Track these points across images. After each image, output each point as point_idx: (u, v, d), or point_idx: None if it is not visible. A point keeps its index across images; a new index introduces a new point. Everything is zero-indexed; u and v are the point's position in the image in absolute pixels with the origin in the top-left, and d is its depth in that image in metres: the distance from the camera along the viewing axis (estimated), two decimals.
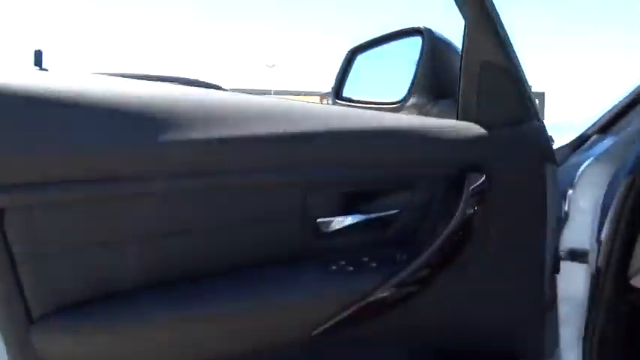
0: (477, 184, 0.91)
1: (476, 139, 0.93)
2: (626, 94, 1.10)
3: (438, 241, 0.89)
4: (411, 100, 1.21)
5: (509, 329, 0.99)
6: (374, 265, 0.85)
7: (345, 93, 1.42)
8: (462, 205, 0.90)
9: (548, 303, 1.02)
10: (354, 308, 0.83)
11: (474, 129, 0.94)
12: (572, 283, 1.09)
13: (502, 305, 0.98)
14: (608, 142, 1.13)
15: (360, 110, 1.01)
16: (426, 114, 1.17)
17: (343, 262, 0.85)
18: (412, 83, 1.22)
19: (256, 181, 0.83)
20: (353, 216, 0.89)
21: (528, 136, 0.97)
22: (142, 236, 0.78)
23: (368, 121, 0.92)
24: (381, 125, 0.91)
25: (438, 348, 0.96)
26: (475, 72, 0.94)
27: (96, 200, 0.75)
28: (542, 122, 0.99)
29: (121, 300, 0.77)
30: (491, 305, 0.97)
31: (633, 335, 1.18)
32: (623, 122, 1.10)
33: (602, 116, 1.16)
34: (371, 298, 0.84)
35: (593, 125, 1.18)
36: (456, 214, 0.90)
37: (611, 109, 1.14)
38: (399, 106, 1.23)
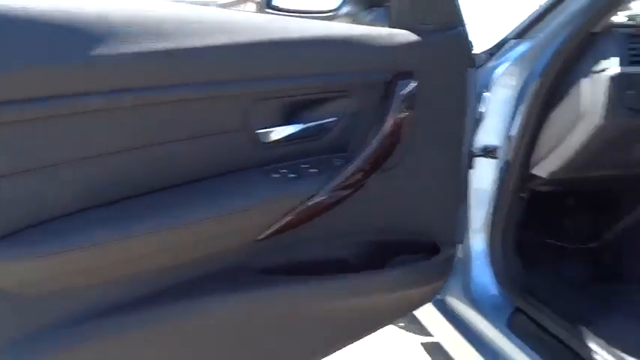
0: (408, 89, 0.97)
1: (409, 46, 0.97)
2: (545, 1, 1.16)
3: (371, 146, 0.96)
4: (345, 9, 1.22)
5: (429, 220, 1.11)
6: (314, 171, 0.91)
7: (275, 1, 1.39)
8: (391, 110, 0.96)
9: (461, 195, 1.14)
10: (296, 212, 0.91)
11: (406, 36, 0.98)
12: (484, 176, 1.22)
13: (425, 200, 1.09)
14: (523, 46, 1.21)
15: (294, 19, 1.02)
16: (360, 22, 1.19)
17: (285, 170, 0.90)
18: None
19: (196, 94, 0.84)
20: (293, 125, 0.93)
21: (456, 41, 1.03)
22: (81, 157, 0.77)
23: (302, 30, 0.93)
24: (315, 34, 0.93)
25: (371, 241, 1.07)
26: None
27: (26, 121, 0.72)
28: (466, 28, 1.05)
29: (65, 222, 0.76)
30: (415, 200, 1.09)
31: (530, 217, 1.36)
32: (539, 27, 1.17)
33: (522, 22, 1.22)
34: (311, 202, 0.91)
35: (513, 30, 1.25)
36: (386, 119, 0.96)
37: (530, 15, 1.20)
38: (331, 15, 1.24)
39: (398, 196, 1.06)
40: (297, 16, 1.23)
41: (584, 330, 1.12)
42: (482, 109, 1.20)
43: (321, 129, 0.96)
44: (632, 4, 1.12)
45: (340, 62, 0.95)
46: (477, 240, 1.29)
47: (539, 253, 1.52)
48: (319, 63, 0.93)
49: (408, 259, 1.06)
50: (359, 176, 0.96)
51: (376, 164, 0.98)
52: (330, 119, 0.96)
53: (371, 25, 1.09)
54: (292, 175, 0.90)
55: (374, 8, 1.21)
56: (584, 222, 1.59)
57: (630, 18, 1.12)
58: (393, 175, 1.01)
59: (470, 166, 1.17)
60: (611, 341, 1.07)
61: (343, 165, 0.95)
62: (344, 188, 0.95)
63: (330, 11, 1.25)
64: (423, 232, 1.11)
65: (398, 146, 0.99)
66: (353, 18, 1.22)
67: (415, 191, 1.08)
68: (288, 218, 0.90)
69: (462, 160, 1.12)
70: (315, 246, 0.97)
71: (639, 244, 1.41)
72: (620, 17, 1.12)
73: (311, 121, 0.95)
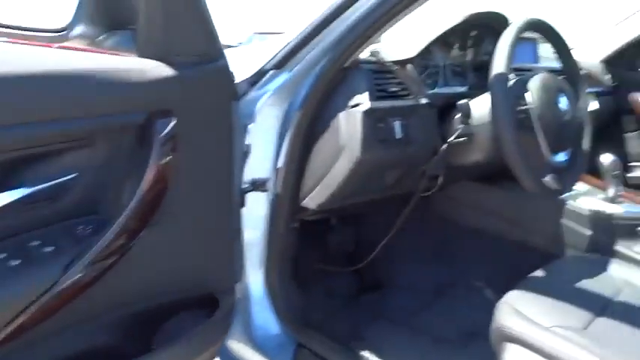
0: (168, 130, 0.84)
1: (165, 81, 0.84)
2: (301, 32, 1.17)
3: (133, 202, 0.79)
4: (77, 30, 1.01)
5: (204, 269, 1.01)
6: (49, 250, 0.70)
7: None
8: (152, 156, 0.82)
9: (235, 236, 1.07)
10: (28, 313, 0.68)
11: (161, 68, 0.84)
12: (255, 211, 1.17)
13: (197, 249, 0.98)
14: (282, 77, 1.20)
15: (13, 45, 0.78)
16: (98, 48, 1.00)
17: (4, 255, 0.67)
18: (78, 7, 1.01)
19: None
20: (15, 191, 0.70)
21: (217, 74, 0.94)
22: None
23: (25, 61, 0.71)
24: (39, 67, 0.72)
25: (142, 309, 0.90)
26: (158, 1, 0.83)
27: None
28: (227, 60, 0.97)
29: None
30: (188, 251, 0.96)
31: (301, 246, 1.39)
32: (296, 58, 1.17)
33: (278, 52, 1.21)
34: (52, 293, 0.69)
35: (270, 61, 1.23)
36: (147, 167, 0.81)
37: (285, 46, 1.20)
38: (61, 36, 1.01)
39: (165, 251, 0.92)
40: (13, 36, 0.96)
41: (359, 352, 1.16)
42: (247, 141, 1.15)
43: (58, 189, 0.75)
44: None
45: (77, 103, 0.75)
46: (255, 279, 1.24)
47: (312, 279, 1.56)
48: (54, 104, 0.72)
49: (181, 327, 0.93)
50: (121, 241, 0.79)
51: (142, 222, 0.82)
52: (68, 176, 0.76)
53: (113, 51, 0.92)
54: (14, 263, 0.66)
55: (116, 31, 1.03)
56: (348, 244, 1.71)
57: (372, 54, 1.21)
58: (157, 229, 0.87)
59: (242, 204, 1.10)
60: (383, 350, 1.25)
61: (96, 231, 0.76)
62: (103, 259, 0.76)
63: (59, 31, 1.02)
64: (198, 285, 0.99)
65: (163, 196, 0.85)
66: (89, 41, 1.01)
67: (185, 242, 0.95)
68: (13, 326, 0.67)
69: (233, 198, 1.04)
70: (59, 341, 0.76)
71: (396, 258, 1.56)
72: (365, 53, 1.19)
73: (41, 182, 0.73)
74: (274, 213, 1.20)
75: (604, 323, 1.00)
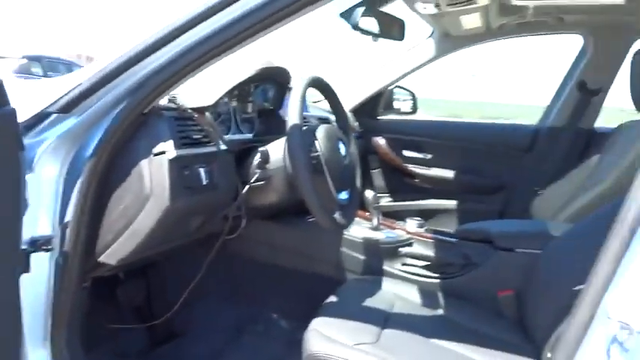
0: None
1: None
2: (92, 75, 1.09)
3: None
4: None
5: None
6: None
7: None
8: None
9: (16, 314, 0.91)
10: None
11: None
12: (37, 274, 1.03)
13: None
14: (69, 122, 1.10)
15: None
16: None
17: None
18: None
19: None
20: None
21: (2, 123, 0.81)
22: None
23: None
24: None
25: None
26: None
27: None
28: (12, 106, 0.84)
29: None
30: None
31: (91, 305, 1.26)
32: (87, 103, 1.09)
33: (63, 95, 1.10)
34: None
35: (53, 104, 1.11)
36: None
37: (73, 88, 1.10)
38: None
39: None
40: None
41: None
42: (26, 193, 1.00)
43: None
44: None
45: None
46: (39, 355, 1.06)
47: (104, 340, 1.42)
48: None
49: None
50: None
51: None
52: None
53: None
54: None
55: None
56: (139, 298, 1.61)
57: (171, 100, 1.20)
58: None
59: (26, 269, 0.94)
60: None
61: None
62: None
63: None
64: None
65: None
66: None
67: None
68: None
69: (16, 264, 0.89)
70: None
71: (193, 303, 1.53)
72: (164, 99, 1.18)
73: None
74: (62, 274, 1.06)
75: (390, 334, 1.19)
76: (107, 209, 1.11)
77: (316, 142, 1.32)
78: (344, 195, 1.40)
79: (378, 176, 2.51)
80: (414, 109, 2.60)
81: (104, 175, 1.09)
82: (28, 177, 1.01)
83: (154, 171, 1.09)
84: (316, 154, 1.30)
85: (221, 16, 1.00)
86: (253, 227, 1.64)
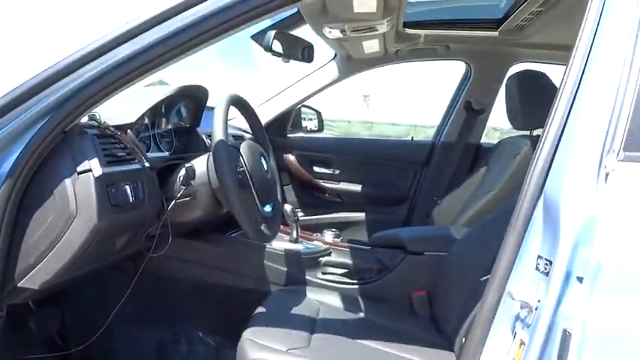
0: None
1: None
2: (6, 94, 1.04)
3: None
4: None
5: None
6: None
7: None
8: None
9: None
10: None
11: None
12: None
13: None
14: None
15: None
16: None
17: None
18: None
19: None
20: None
21: None
22: None
23: None
24: None
25: None
26: None
27: None
28: None
29: None
30: None
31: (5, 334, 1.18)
32: (5, 119, 1.04)
33: None
34: None
35: None
36: None
37: None
38: None
39: None
40: None
41: None
42: None
43: None
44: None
45: None
46: None
47: None
48: None
49: None
50: None
51: None
52: None
53: None
54: None
55: None
56: (53, 326, 1.51)
57: (91, 118, 1.18)
58: None
59: None
60: None
61: None
62: None
63: None
64: None
65: None
66: None
67: None
68: None
69: None
70: None
71: (111, 328, 1.48)
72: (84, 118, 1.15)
73: None
74: None
75: (319, 338, 1.26)
76: (27, 231, 1.06)
77: (241, 157, 1.36)
78: (268, 208, 1.46)
79: (290, 192, 2.59)
80: (321, 127, 2.72)
81: (22, 195, 1.04)
82: None
83: (80, 189, 1.06)
84: (241, 169, 1.34)
85: (149, 34, 1.02)
86: (174, 245, 1.63)
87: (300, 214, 2.55)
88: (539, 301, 0.79)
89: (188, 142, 1.64)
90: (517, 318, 0.86)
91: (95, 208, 1.06)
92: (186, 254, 1.67)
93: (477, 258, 1.29)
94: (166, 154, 1.54)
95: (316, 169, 2.55)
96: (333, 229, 1.85)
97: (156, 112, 1.49)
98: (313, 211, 2.55)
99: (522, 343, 0.82)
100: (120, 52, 1.02)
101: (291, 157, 2.54)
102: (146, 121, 1.45)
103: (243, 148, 1.39)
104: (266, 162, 1.46)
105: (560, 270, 0.77)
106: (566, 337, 0.75)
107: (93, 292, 1.54)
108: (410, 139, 2.85)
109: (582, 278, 0.75)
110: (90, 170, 1.07)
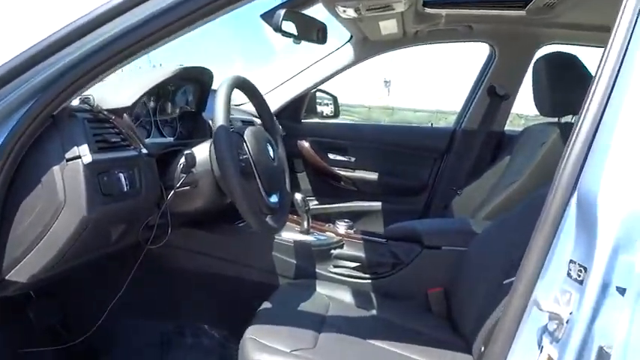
0: None
1: None
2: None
3: None
4: None
5: None
6: None
7: None
8: None
9: None
10: None
11: None
12: None
13: None
14: None
15: None
16: None
17: None
18: None
19: None
20: None
21: None
22: None
23: None
24: None
25: None
26: None
27: None
28: None
29: None
30: None
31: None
32: None
33: None
34: None
35: None
36: None
37: None
38: None
39: None
40: None
41: None
42: None
43: None
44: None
45: None
46: None
47: None
48: None
49: None
50: None
51: None
52: None
53: None
54: None
55: None
56: (55, 317, 1.47)
57: (84, 101, 1.10)
58: None
59: None
60: None
61: None
62: None
63: None
64: None
65: None
66: None
67: None
68: None
69: None
70: None
71: (113, 319, 1.42)
72: (75, 100, 1.08)
73: None
74: None
75: (326, 338, 1.18)
76: (14, 221, 1.00)
77: (244, 144, 1.27)
78: (274, 198, 1.37)
79: (303, 179, 2.50)
80: (337, 113, 2.62)
81: (9, 183, 0.97)
82: None
83: (68, 177, 0.99)
84: (245, 156, 1.25)
85: (143, 9, 0.94)
86: (178, 234, 1.56)
87: (313, 202, 2.48)
88: (570, 313, 0.69)
89: (193, 127, 1.56)
90: (545, 330, 0.76)
91: (84, 197, 0.99)
92: (191, 244, 1.60)
93: (499, 256, 1.19)
94: (169, 139, 1.46)
95: (331, 156, 2.46)
96: (346, 220, 1.76)
97: (156, 95, 1.41)
98: (327, 200, 2.47)
99: (550, 359, 0.72)
100: (114, 27, 0.94)
101: (305, 144, 2.44)
102: (146, 104, 1.37)
103: (248, 134, 1.30)
104: (273, 149, 1.37)
105: (597, 278, 0.66)
106: (602, 356, 0.65)
107: (94, 281, 1.48)
108: (429, 125, 2.73)
109: (624, 289, 0.64)
110: (79, 157, 1.00)
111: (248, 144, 1.27)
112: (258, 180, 1.27)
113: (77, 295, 1.56)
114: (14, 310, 1.38)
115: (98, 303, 1.36)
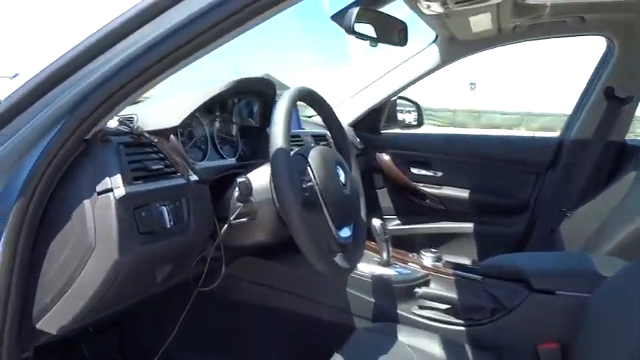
0: None
1: None
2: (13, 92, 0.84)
3: None
4: None
5: None
6: None
7: None
8: None
9: None
10: None
11: None
12: None
13: None
14: None
15: None
16: None
17: None
18: None
19: None
20: None
21: None
22: None
23: None
24: None
25: None
26: None
27: None
28: None
29: None
30: None
31: None
32: (8, 127, 0.84)
33: None
34: None
35: None
36: None
37: None
38: None
39: None
40: None
41: None
42: None
43: None
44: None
45: None
46: None
47: None
48: None
49: None
50: None
51: None
52: None
53: None
54: None
55: None
56: (112, 353, 1.35)
57: (123, 122, 0.95)
58: None
59: None
60: None
61: None
62: None
63: None
64: None
65: None
66: None
67: None
68: None
69: None
70: None
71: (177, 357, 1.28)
72: (113, 121, 0.93)
73: None
74: None
75: None
76: (44, 264, 0.86)
77: (309, 168, 1.06)
78: (346, 232, 1.15)
79: (383, 196, 2.27)
80: (420, 122, 2.35)
81: (37, 220, 0.84)
82: None
83: (99, 214, 0.84)
84: (309, 184, 1.05)
85: (185, 8, 0.77)
86: (241, 265, 1.39)
87: (394, 222, 2.23)
88: None
89: (256, 145, 1.38)
90: None
91: (116, 238, 0.83)
92: (255, 275, 1.42)
93: (637, 309, 0.89)
94: (229, 160, 1.29)
95: (414, 170, 2.20)
96: (433, 250, 1.49)
97: (210, 111, 1.25)
98: (410, 220, 2.21)
99: None
100: (157, 28, 0.78)
101: (385, 157, 2.21)
102: (201, 122, 1.21)
103: (313, 155, 1.09)
104: (344, 172, 1.15)
105: None
106: None
107: (152, 314, 1.35)
108: (531, 135, 2.37)
109: None
110: (111, 189, 0.84)
111: (313, 168, 1.06)
112: (325, 212, 1.06)
113: (137, 327, 1.44)
114: (67, 345, 1.28)
115: (158, 336, 1.22)
